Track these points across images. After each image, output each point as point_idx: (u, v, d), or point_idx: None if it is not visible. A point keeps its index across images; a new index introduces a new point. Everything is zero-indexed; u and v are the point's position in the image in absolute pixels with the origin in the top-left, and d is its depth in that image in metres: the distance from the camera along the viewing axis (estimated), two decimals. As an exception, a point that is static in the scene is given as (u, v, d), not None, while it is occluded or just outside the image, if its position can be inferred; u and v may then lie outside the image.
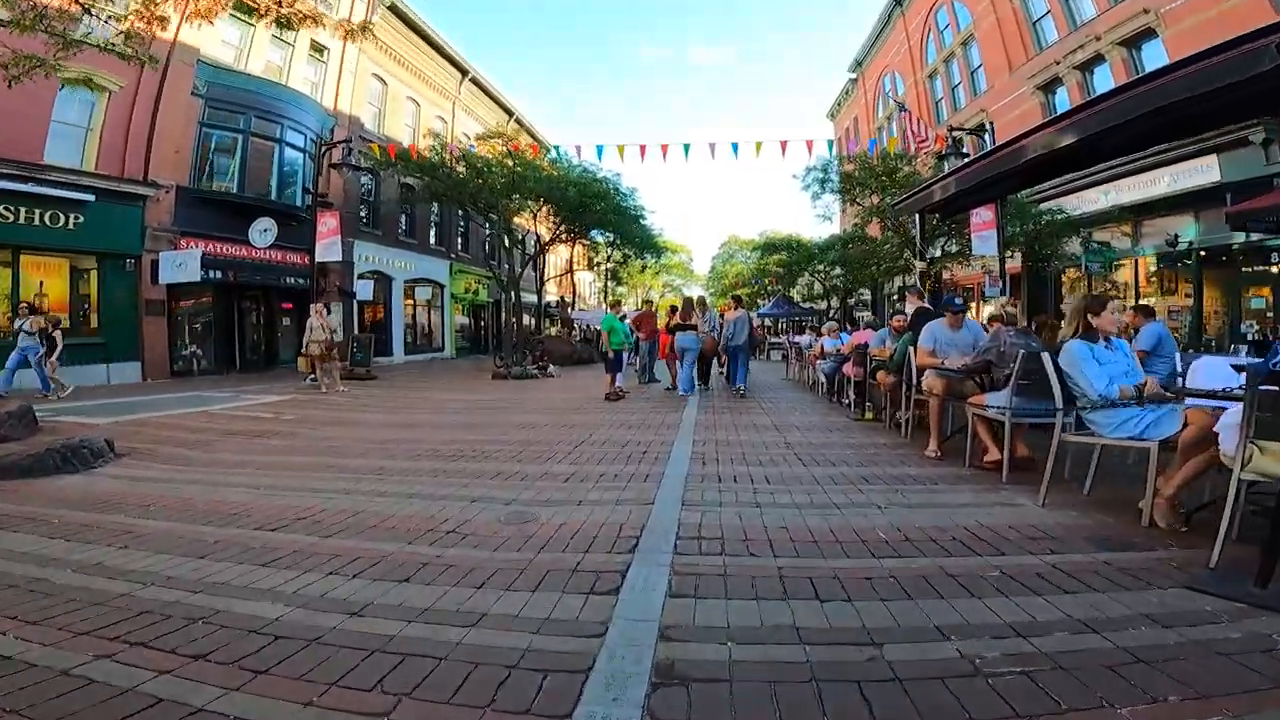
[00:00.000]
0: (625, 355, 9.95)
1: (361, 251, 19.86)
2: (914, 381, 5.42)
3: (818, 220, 20.94)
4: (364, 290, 18.38)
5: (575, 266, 30.54)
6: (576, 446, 5.60)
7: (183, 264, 12.93)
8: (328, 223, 12.45)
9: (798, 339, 13.11)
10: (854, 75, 32.76)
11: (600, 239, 26.00)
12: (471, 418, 7.76)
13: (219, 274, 15.28)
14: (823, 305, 29.96)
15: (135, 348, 13.51)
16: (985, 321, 6.61)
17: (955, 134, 11.17)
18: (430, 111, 23.95)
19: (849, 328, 9.76)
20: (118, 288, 13.34)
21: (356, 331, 17.65)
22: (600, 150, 11.63)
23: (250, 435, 6.56)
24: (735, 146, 11.47)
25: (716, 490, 4.02)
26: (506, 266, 19.54)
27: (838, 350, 8.64)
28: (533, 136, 27.64)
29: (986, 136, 11.16)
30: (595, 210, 18.38)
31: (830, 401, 8.70)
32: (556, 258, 32.47)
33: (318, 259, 12.37)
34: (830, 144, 12.78)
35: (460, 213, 23.37)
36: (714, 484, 4.18)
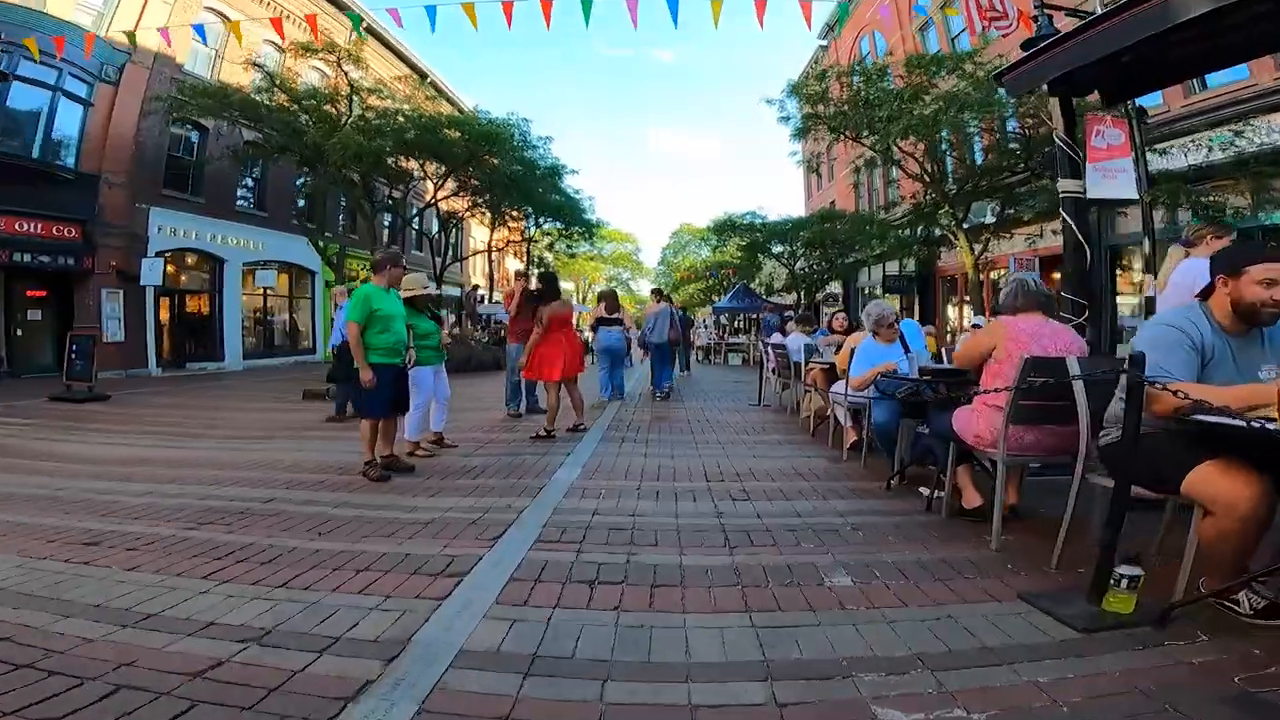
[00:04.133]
0: (433, 373, 4.84)
1: (161, 222, 14.11)
2: None
3: (796, 163, 16.70)
4: (151, 273, 12.73)
5: (497, 250, 25.09)
6: None
7: None
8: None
9: (782, 341, 7.93)
10: (825, 42, 28.59)
11: (522, 215, 20.71)
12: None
13: None
14: (790, 298, 25.17)
15: None
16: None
17: (1048, 11, 6.58)
18: (301, 63, 17.92)
19: (949, 323, 4.76)
20: None
21: (76, 331, 12.00)
22: (432, 12, 6.50)
23: None
24: (673, 6, 6.49)
25: None
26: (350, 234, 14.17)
27: (924, 374, 3.54)
28: (452, 104, 21.92)
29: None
30: (489, 163, 13.17)
31: (891, 488, 3.78)
32: (470, 239, 27.00)
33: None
34: (844, 7, 7.92)
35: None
36: None
